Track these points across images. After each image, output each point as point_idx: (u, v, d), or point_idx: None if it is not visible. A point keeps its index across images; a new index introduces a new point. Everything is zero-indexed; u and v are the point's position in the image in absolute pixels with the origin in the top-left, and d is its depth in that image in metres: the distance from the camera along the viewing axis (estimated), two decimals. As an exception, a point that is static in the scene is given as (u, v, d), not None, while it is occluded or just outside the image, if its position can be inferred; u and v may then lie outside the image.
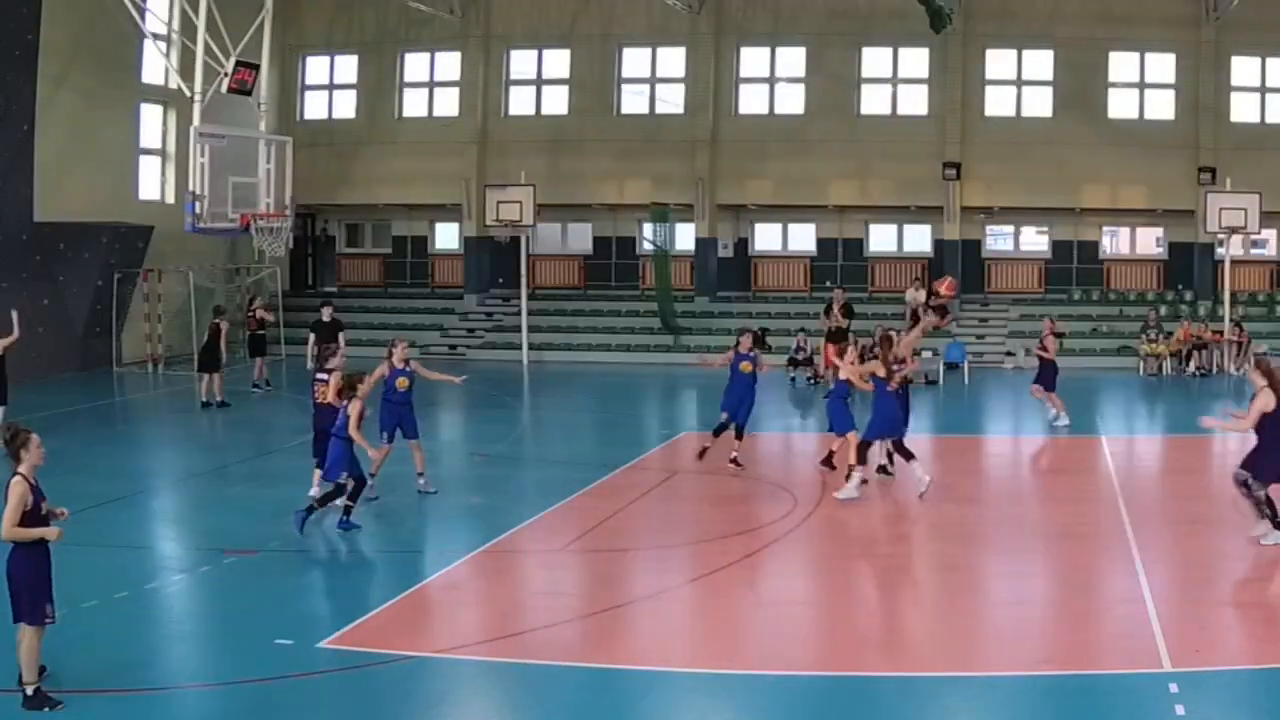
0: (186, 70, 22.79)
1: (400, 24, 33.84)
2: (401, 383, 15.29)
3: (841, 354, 16.14)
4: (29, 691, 8.35)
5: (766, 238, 34.84)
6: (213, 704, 8.85)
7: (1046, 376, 21.13)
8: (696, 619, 10.97)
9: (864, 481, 15.18)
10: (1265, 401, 12.64)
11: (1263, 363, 13.25)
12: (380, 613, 10.86)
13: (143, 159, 30.66)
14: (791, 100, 32.99)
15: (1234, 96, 30.94)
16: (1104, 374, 28.48)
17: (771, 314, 32.36)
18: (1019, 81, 31.97)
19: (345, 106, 35.12)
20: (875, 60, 32.57)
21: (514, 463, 18.24)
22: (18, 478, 8.34)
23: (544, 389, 27.67)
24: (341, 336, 21.83)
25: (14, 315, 19.81)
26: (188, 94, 22.30)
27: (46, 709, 8.31)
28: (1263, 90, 30.96)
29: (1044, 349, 21.26)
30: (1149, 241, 33.37)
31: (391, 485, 15.88)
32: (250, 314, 26.72)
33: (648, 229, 32.29)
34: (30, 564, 8.37)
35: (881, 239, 34.13)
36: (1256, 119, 30.89)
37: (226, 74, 22.26)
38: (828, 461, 16.75)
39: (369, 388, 14.11)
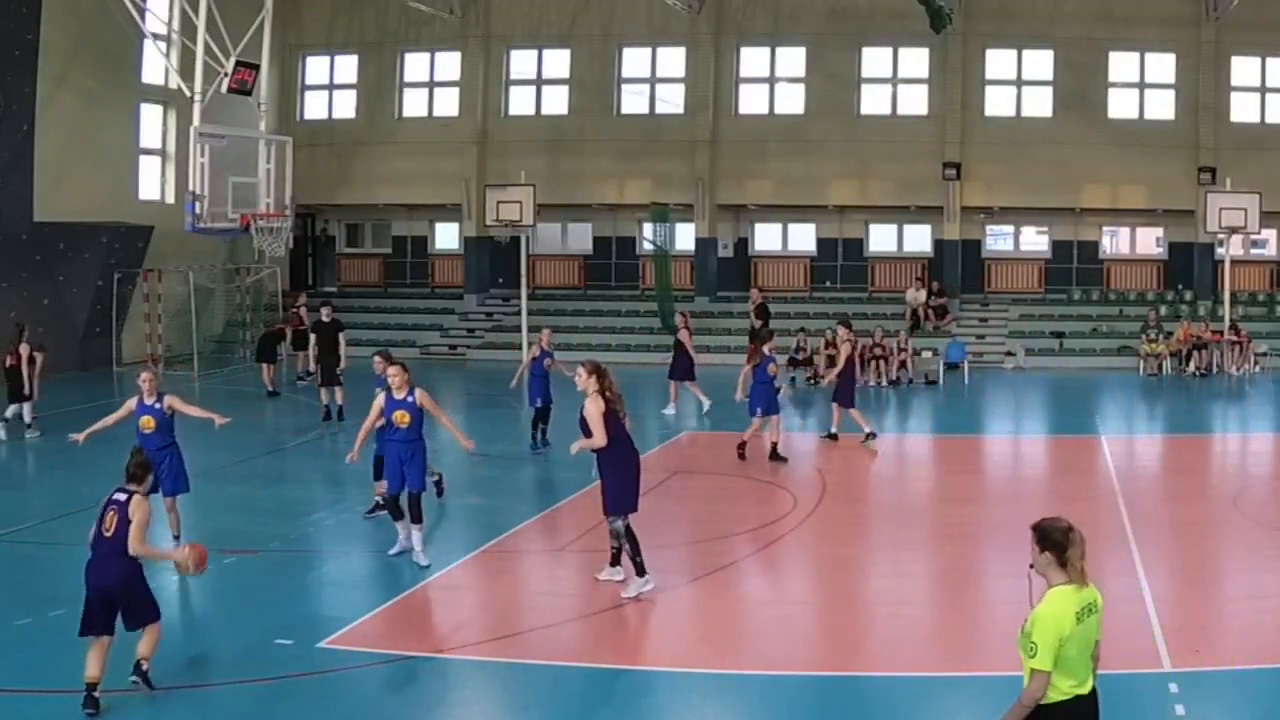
0: (186, 70, 22.81)
1: (400, 24, 33.84)
2: (145, 423, 12.36)
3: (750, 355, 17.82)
4: (144, 667, 8.76)
5: (766, 238, 34.83)
6: (213, 704, 8.85)
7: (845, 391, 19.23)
8: (696, 619, 10.96)
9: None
10: (598, 406, 10.85)
11: (589, 363, 11.21)
12: (380, 612, 10.86)
13: (143, 159, 30.68)
14: (791, 100, 32.98)
15: (1234, 96, 30.93)
16: (1104, 374, 28.50)
17: (771, 314, 32.33)
18: (1019, 81, 31.96)
19: (345, 106, 35.12)
20: (875, 60, 32.56)
21: (514, 463, 18.22)
22: (139, 497, 8.70)
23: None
24: (342, 337, 21.83)
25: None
26: (188, 94, 22.31)
27: (150, 688, 8.79)
28: (1263, 90, 30.95)
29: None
30: (1149, 241, 33.36)
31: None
32: (295, 311, 27.40)
33: (648, 229, 32.27)
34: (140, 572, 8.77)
35: (881, 239, 34.11)
36: (1256, 119, 30.88)
37: (226, 74, 22.28)
38: (774, 454, 17.56)
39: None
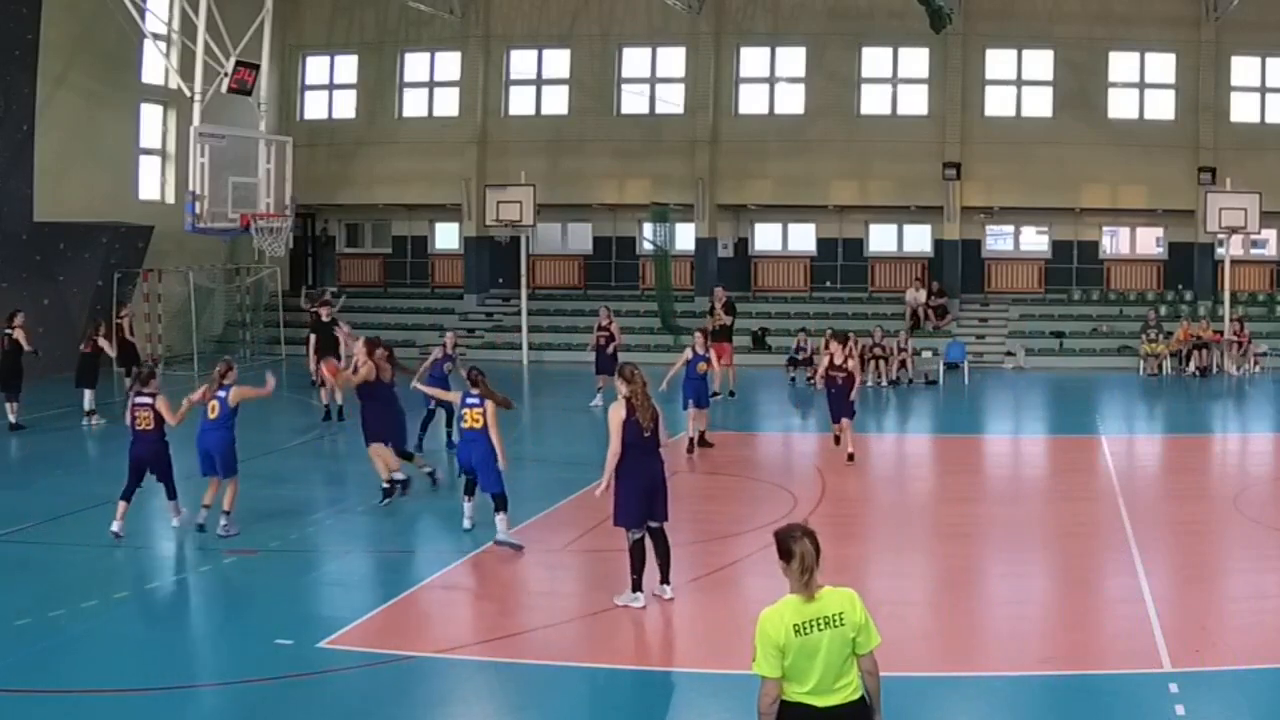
0: (186, 70, 22.81)
1: (400, 24, 33.84)
2: (214, 408, 13.12)
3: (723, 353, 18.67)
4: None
5: (766, 238, 34.82)
6: (213, 704, 8.86)
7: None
8: (696, 619, 10.96)
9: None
10: (618, 414, 10.79)
11: (622, 366, 11.21)
12: (380, 612, 10.86)
13: (143, 159, 30.67)
14: (791, 100, 32.98)
15: (1234, 96, 30.93)
16: (1104, 374, 28.50)
17: (771, 314, 32.40)
18: (1019, 81, 31.96)
19: (345, 106, 35.12)
20: (875, 60, 32.56)
21: (514, 463, 18.10)
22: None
23: (544, 389, 27.63)
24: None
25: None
26: (188, 94, 22.32)
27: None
28: (1263, 90, 30.96)
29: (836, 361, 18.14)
30: (1149, 241, 33.35)
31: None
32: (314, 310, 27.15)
33: (648, 229, 32.24)
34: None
35: (881, 239, 34.10)
36: (1256, 119, 30.88)
37: (226, 74, 22.28)
38: (704, 441, 18.30)
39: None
